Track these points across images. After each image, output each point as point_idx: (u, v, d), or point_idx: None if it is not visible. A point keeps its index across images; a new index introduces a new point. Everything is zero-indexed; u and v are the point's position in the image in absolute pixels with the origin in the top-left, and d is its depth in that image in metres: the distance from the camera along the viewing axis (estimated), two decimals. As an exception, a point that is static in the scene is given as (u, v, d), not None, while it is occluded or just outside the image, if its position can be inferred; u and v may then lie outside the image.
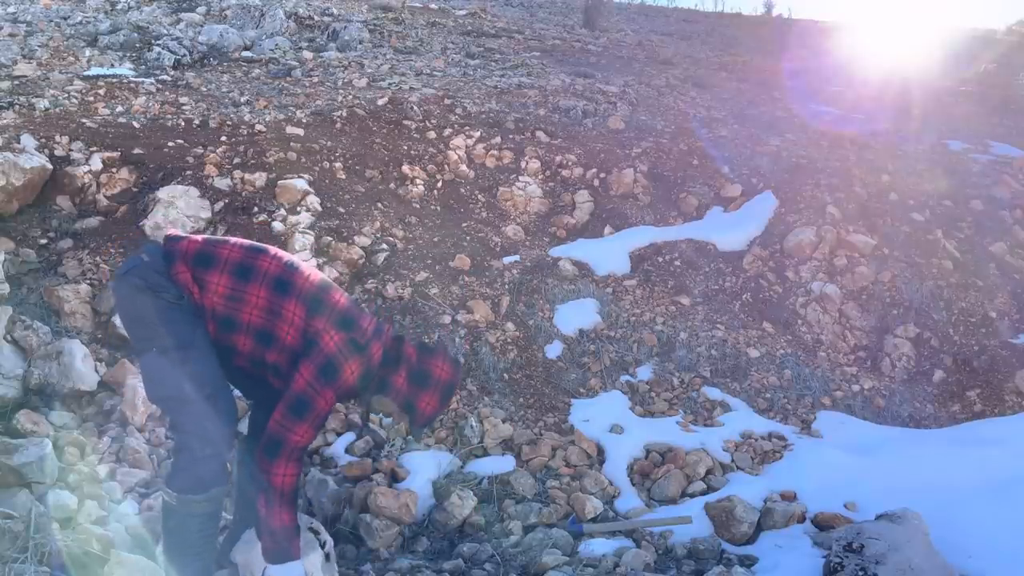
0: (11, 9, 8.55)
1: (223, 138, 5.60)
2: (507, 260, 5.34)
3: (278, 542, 2.43)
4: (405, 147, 6.05)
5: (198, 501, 2.48)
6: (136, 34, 7.97)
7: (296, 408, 2.40)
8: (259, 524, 2.49)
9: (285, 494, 2.39)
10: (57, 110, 5.69)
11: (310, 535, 2.68)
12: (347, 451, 3.89)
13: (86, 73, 6.68)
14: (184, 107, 6.19)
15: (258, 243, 2.64)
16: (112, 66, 7.05)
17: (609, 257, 5.54)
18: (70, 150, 5.08)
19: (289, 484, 2.39)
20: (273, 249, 2.60)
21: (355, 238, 5.01)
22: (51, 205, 4.80)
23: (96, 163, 5.01)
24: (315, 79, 7.43)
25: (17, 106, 5.61)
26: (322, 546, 2.66)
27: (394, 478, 3.74)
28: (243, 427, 3.91)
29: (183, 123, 5.83)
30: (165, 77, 6.96)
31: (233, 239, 2.60)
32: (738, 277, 5.51)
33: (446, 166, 6.03)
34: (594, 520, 3.64)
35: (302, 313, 2.44)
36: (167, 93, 6.51)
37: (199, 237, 2.58)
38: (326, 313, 2.45)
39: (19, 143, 4.90)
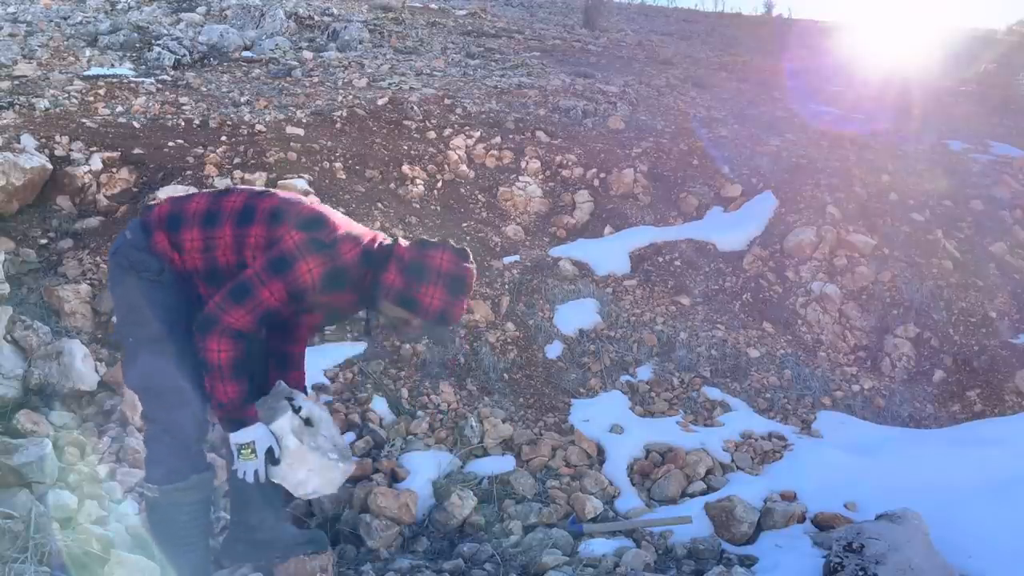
0: (11, 9, 8.55)
1: (223, 138, 5.60)
2: (507, 260, 5.34)
3: (227, 412, 2.40)
4: (405, 147, 6.05)
5: (181, 489, 2.48)
6: (136, 34, 7.97)
7: (236, 293, 2.33)
8: (209, 400, 2.44)
9: (223, 369, 2.33)
10: (57, 110, 5.70)
11: (284, 403, 2.62)
12: (347, 451, 3.89)
13: (86, 73, 6.68)
14: (184, 107, 6.19)
15: (229, 186, 2.64)
16: (112, 66, 7.05)
17: (609, 257, 5.54)
18: (70, 150, 5.08)
19: (226, 359, 2.32)
20: (241, 187, 2.58)
21: (355, 238, 5.01)
22: (51, 205, 4.80)
23: (96, 163, 5.01)
24: (315, 79, 7.43)
25: (17, 106, 5.61)
26: (296, 411, 2.58)
27: (394, 478, 3.74)
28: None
29: (183, 123, 5.83)
30: (165, 77, 6.96)
31: (202, 191, 2.60)
32: (738, 277, 5.51)
33: (446, 166, 6.03)
34: (594, 520, 3.64)
35: (264, 232, 2.39)
36: (167, 93, 6.51)
37: (169, 198, 2.57)
38: (288, 219, 2.39)
39: (19, 143, 4.90)
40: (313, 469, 2.52)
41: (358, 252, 2.41)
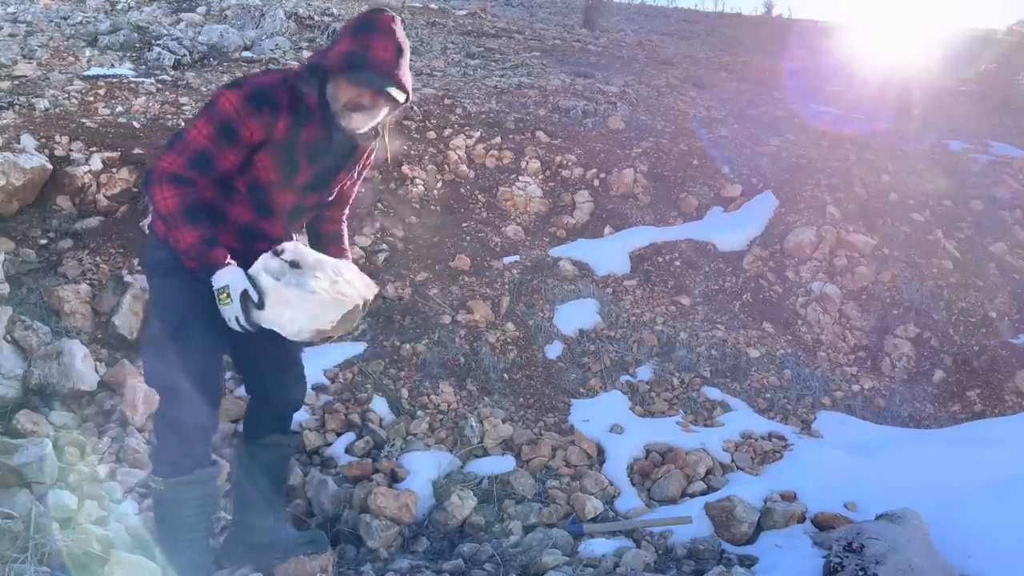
0: (11, 9, 8.55)
1: (223, 138, 5.59)
2: (507, 260, 5.34)
3: (193, 259, 2.35)
4: (405, 147, 6.05)
5: (185, 483, 2.51)
6: (136, 34, 7.97)
7: (170, 141, 2.39)
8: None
9: (175, 215, 2.31)
10: (57, 110, 5.69)
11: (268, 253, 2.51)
12: (347, 451, 3.89)
13: (86, 73, 6.68)
14: (184, 107, 6.19)
15: None
16: (112, 66, 7.05)
17: (609, 257, 5.54)
18: (70, 150, 5.07)
19: (173, 204, 2.31)
20: None
21: (355, 238, 5.01)
22: (51, 205, 4.80)
23: (96, 163, 5.01)
24: (315, 79, 7.42)
25: (17, 106, 5.61)
26: (278, 254, 2.45)
27: (394, 478, 3.75)
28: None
29: (183, 123, 5.83)
30: (165, 77, 6.96)
31: None
32: (738, 277, 5.51)
33: (446, 166, 6.03)
34: (594, 520, 3.64)
35: None
36: (167, 93, 6.51)
37: None
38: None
39: (19, 143, 4.90)
40: (296, 307, 2.37)
41: (278, 75, 2.40)
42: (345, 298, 2.43)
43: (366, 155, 2.66)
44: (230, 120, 2.31)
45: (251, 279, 2.35)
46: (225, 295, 2.32)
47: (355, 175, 2.70)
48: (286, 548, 2.92)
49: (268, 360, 2.76)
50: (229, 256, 2.36)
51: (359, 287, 2.53)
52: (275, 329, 2.37)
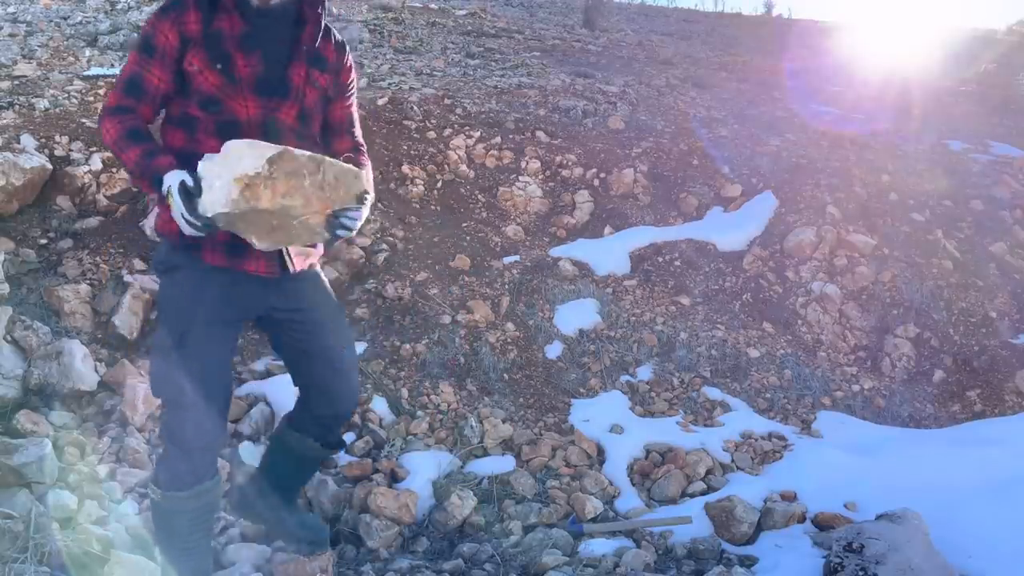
0: (11, 9, 8.55)
1: (223, 138, 5.58)
2: (507, 260, 5.34)
3: (139, 177, 2.32)
4: (405, 147, 6.05)
5: (183, 498, 2.45)
6: (136, 34, 7.97)
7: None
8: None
9: (118, 142, 2.32)
10: (57, 110, 5.69)
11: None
12: (347, 451, 3.89)
13: (86, 73, 6.68)
14: (184, 107, 6.18)
15: None
16: (112, 66, 7.04)
17: (609, 257, 5.54)
18: (70, 150, 5.07)
19: (116, 133, 2.32)
20: None
21: (355, 238, 5.01)
22: (51, 205, 4.80)
23: (96, 163, 5.01)
24: (315, 79, 7.41)
25: (17, 106, 5.61)
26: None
27: (394, 478, 3.75)
28: (245, 427, 3.91)
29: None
30: (165, 77, 6.95)
31: None
32: (738, 277, 5.51)
33: (446, 166, 6.03)
34: (594, 520, 3.64)
35: None
36: (167, 93, 6.50)
37: None
38: None
39: (19, 143, 4.90)
40: (220, 172, 2.17)
41: None
42: (269, 144, 2.20)
43: (326, 49, 2.54)
44: (147, 35, 2.35)
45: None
46: (169, 196, 2.20)
47: (329, 80, 2.54)
48: (286, 532, 2.93)
49: (317, 369, 2.63)
50: (175, 163, 2.27)
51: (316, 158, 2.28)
52: (219, 212, 2.16)
